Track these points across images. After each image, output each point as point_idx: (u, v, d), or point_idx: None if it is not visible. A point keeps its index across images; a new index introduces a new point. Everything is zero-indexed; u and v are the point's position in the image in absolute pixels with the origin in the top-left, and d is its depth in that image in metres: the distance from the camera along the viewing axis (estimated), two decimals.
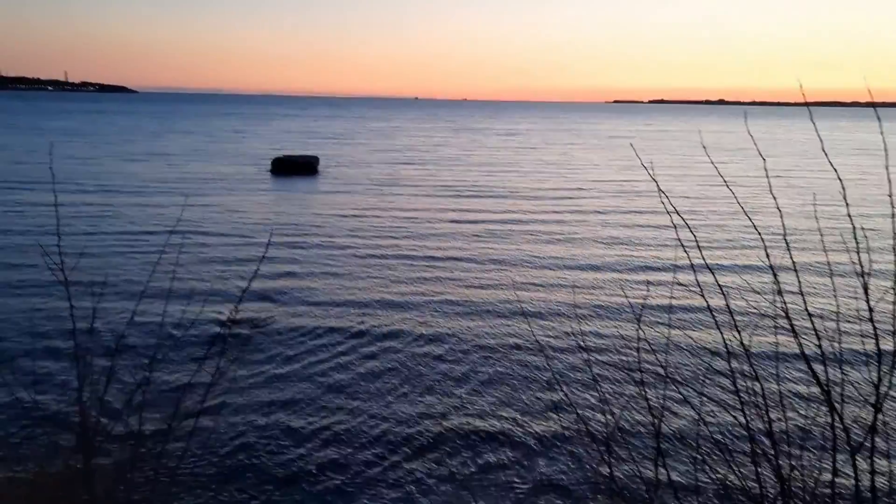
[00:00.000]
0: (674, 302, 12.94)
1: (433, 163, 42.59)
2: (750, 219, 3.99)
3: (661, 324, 11.63)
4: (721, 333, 3.53)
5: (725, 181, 4.29)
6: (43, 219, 19.99)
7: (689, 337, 11.16)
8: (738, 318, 3.50)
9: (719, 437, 3.90)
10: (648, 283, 14.28)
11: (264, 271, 14.56)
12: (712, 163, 4.68)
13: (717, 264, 15.69)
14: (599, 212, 24.12)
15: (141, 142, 53.53)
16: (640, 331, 4.48)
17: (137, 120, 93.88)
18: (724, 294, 3.60)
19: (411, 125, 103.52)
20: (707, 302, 3.69)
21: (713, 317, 3.60)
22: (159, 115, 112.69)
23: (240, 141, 59.27)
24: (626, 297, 13.60)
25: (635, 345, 12.05)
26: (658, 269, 15.83)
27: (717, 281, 3.67)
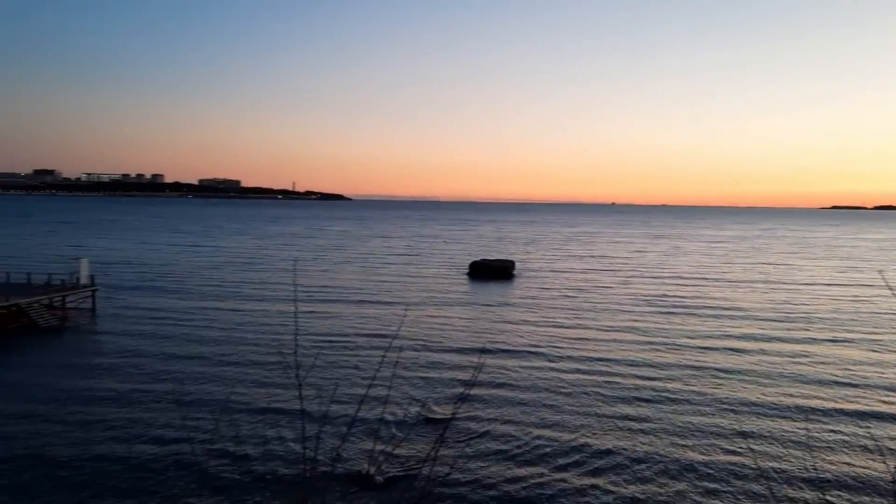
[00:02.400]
0: None
1: (631, 271, 40.78)
2: None
3: None
4: None
5: None
6: (278, 328, 21.58)
7: None
8: None
9: None
10: None
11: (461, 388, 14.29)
12: None
13: None
14: (832, 340, 20.80)
15: (352, 247, 57.72)
16: None
17: (349, 225, 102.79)
18: None
19: (608, 230, 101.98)
20: None
21: None
22: (367, 220, 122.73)
23: (439, 245, 61.98)
24: (882, 457, 11.10)
25: None
26: None
27: None
